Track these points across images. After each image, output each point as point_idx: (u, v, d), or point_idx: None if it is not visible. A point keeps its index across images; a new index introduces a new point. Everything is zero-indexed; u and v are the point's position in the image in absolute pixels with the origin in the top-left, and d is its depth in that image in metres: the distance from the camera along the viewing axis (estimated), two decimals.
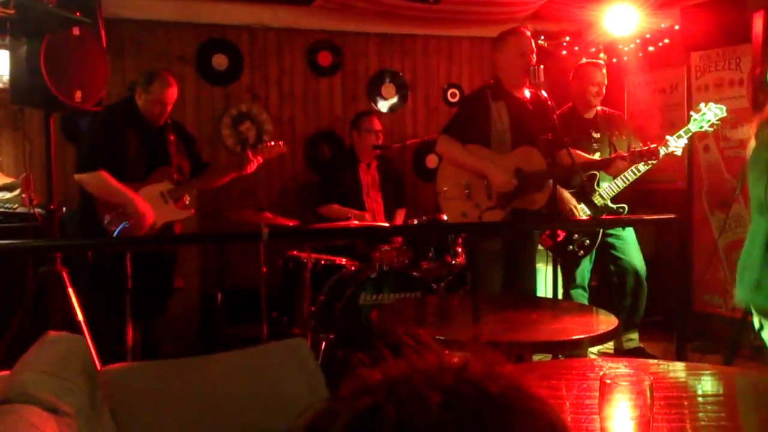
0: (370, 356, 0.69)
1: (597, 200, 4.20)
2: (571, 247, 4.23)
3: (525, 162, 3.73)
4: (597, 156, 4.30)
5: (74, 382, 1.49)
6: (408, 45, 5.81)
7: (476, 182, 3.73)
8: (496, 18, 5.28)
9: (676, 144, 3.86)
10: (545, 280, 4.18)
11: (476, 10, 5.24)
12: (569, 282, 4.32)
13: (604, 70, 4.44)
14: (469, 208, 3.73)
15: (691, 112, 3.99)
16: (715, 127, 3.93)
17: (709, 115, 3.87)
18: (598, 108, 4.45)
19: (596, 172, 4.18)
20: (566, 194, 4.10)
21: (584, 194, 4.18)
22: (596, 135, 4.37)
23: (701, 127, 3.89)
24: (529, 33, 3.81)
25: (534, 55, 3.72)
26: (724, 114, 3.91)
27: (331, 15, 5.28)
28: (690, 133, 3.91)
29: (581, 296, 4.39)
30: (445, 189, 3.77)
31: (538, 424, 0.63)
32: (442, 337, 2.54)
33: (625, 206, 4.26)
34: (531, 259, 3.91)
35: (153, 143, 3.85)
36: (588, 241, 4.25)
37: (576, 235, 4.21)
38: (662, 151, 3.86)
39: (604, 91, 4.40)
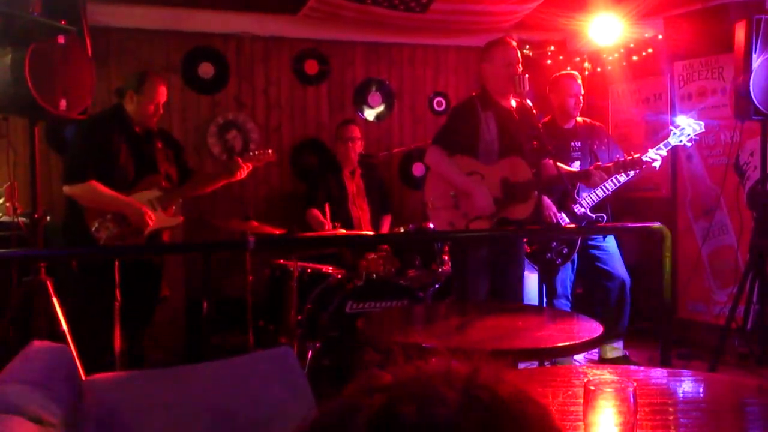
0: (357, 364, 0.70)
1: (578, 209, 4.24)
2: (549, 255, 4.25)
3: (511, 172, 3.75)
4: (577, 164, 4.34)
5: (58, 392, 1.48)
6: (395, 54, 5.84)
7: (463, 192, 3.75)
8: (482, 27, 5.32)
9: (655, 156, 3.96)
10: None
11: (462, 20, 5.27)
12: (550, 291, 4.35)
13: (580, 80, 4.49)
14: (456, 217, 3.74)
15: (671, 127, 4.11)
16: (693, 141, 4.08)
17: (687, 129, 4.04)
18: (578, 119, 4.51)
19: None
20: (547, 201, 4.13)
21: (565, 203, 4.22)
22: (576, 144, 4.42)
23: (680, 141, 4.07)
24: (515, 43, 3.83)
25: (519, 65, 3.75)
26: (702, 129, 4.09)
27: (317, 24, 5.29)
28: (669, 146, 4.06)
29: (564, 306, 4.41)
30: (432, 199, 3.79)
31: (545, 429, 0.66)
32: (428, 345, 2.55)
33: (604, 215, 4.30)
34: (518, 267, 3.92)
35: (141, 150, 3.83)
36: (566, 250, 4.27)
37: (554, 243, 4.23)
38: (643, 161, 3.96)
39: (582, 100, 4.46)
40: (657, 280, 3.57)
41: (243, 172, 3.94)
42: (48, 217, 3.84)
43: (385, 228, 5.03)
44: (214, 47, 5.35)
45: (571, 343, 2.51)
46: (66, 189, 3.68)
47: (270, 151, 4.11)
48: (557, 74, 4.68)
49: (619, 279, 4.40)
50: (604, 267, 4.42)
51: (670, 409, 1.80)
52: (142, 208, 3.70)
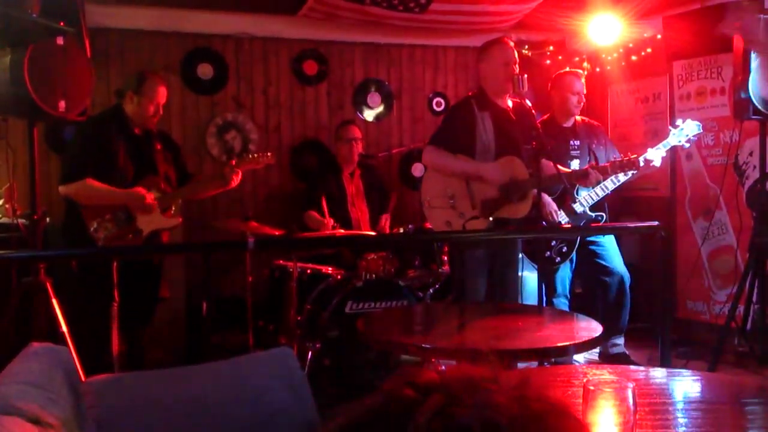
0: (357, 364, 0.71)
1: (577, 208, 4.25)
2: (548, 253, 4.25)
3: (508, 171, 3.75)
4: (576, 163, 4.35)
5: (58, 393, 1.48)
6: (394, 54, 5.84)
7: (460, 192, 3.76)
8: (481, 27, 5.32)
9: (654, 155, 3.98)
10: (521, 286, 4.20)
11: (461, 20, 5.27)
12: (549, 290, 4.35)
13: (583, 79, 4.50)
14: (453, 217, 3.75)
15: (670, 127, 4.13)
16: (691, 142, 4.11)
17: (686, 130, 4.07)
18: (578, 117, 4.51)
19: None
20: (547, 198, 4.14)
21: (564, 202, 4.23)
22: (575, 143, 4.43)
23: (679, 142, 4.08)
24: (512, 43, 3.84)
25: (517, 65, 3.76)
26: (701, 130, 4.12)
27: (316, 24, 5.30)
28: (668, 146, 4.08)
29: (563, 305, 4.41)
30: (429, 198, 3.79)
31: None
32: (428, 346, 2.55)
33: (603, 214, 4.31)
34: (515, 266, 3.93)
35: (140, 152, 3.83)
36: (566, 248, 4.27)
37: (554, 242, 4.24)
38: (641, 161, 3.97)
39: (583, 99, 4.46)
40: (656, 280, 3.57)
41: (236, 180, 3.94)
42: (47, 218, 3.85)
43: (385, 228, 5.02)
44: (213, 48, 5.35)
45: (571, 343, 2.51)
46: (62, 189, 3.67)
47: (269, 153, 4.11)
48: (561, 71, 4.69)
49: (617, 275, 4.41)
50: (603, 263, 4.43)
51: (670, 408, 1.80)
52: (140, 191, 3.69)
